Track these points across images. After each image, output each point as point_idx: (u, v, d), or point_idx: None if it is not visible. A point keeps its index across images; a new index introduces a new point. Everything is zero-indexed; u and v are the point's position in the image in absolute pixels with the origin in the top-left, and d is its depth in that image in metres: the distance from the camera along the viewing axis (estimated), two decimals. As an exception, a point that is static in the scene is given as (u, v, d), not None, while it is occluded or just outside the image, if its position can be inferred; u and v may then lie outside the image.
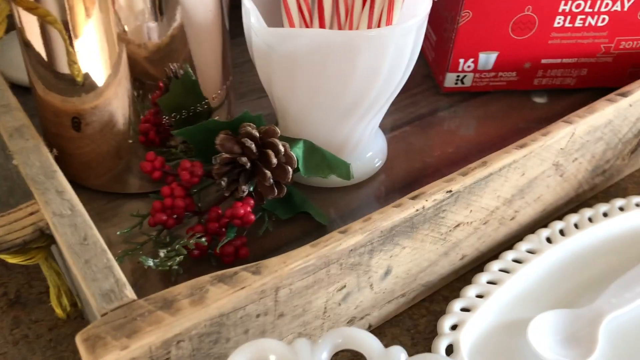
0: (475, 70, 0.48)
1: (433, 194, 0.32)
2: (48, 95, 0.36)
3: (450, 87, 0.49)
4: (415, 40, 0.34)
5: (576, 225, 0.42)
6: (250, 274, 0.27)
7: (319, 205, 0.39)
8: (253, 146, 0.33)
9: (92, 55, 0.34)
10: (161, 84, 0.36)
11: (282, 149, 0.34)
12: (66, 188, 0.30)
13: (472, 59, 0.47)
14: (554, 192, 0.42)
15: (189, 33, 0.35)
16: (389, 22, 0.37)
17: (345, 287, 0.31)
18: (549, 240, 0.41)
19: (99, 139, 0.37)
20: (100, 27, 0.33)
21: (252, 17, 0.32)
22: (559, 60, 0.48)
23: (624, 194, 0.46)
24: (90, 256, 0.27)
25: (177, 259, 0.32)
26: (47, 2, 0.32)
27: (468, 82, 0.48)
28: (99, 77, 0.35)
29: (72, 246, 0.27)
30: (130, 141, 0.37)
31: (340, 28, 0.39)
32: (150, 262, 0.32)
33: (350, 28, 0.39)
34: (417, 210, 0.32)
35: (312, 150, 0.36)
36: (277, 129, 0.34)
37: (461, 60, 0.47)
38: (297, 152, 0.36)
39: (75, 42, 0.33)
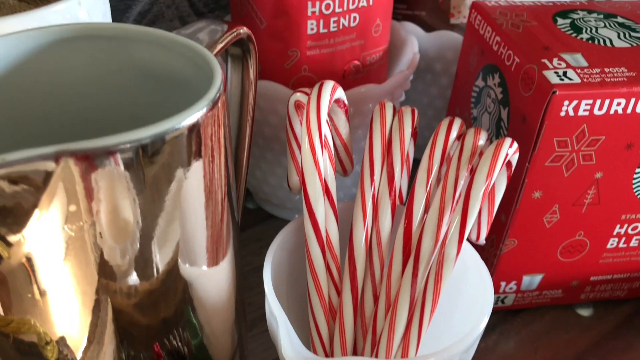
0: (517, 292, 0.42)
1: None
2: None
3: (489, 308, 0.43)
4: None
5: None
6: None
7: None
8: None
9: (70, 319, 0.27)
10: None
11: None
12: None
13: (514, 281, 0.41)
14: None
15: (201, 311, 0.29)
16: (437, 284, 0.31)
17: None
18: None
19: None
20: (83, 287, 0.25)
21: (284, 346, 0.25)
22: (609, 276, 0.42)
23: None
24: None
25: None
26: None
27: (509, 302, 0.43)
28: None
29: None
30: None
31: (375, 288, 0.33)
32: None
33: (388, 290, 0.33)
34: None
35: None
36: None
37: (502, 283, 0.41)
38: None
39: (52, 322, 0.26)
